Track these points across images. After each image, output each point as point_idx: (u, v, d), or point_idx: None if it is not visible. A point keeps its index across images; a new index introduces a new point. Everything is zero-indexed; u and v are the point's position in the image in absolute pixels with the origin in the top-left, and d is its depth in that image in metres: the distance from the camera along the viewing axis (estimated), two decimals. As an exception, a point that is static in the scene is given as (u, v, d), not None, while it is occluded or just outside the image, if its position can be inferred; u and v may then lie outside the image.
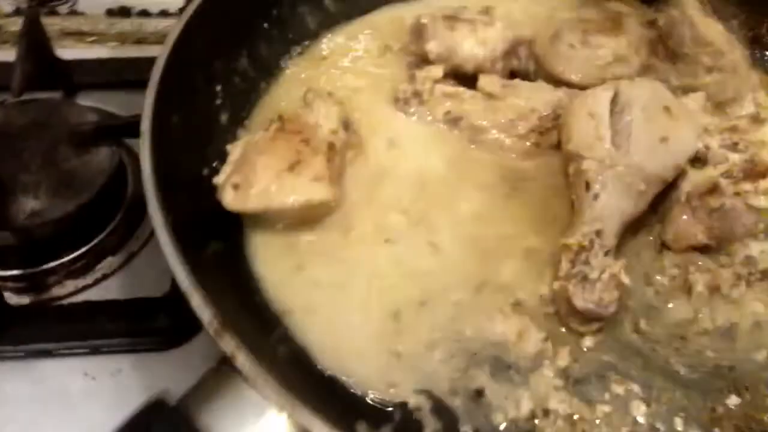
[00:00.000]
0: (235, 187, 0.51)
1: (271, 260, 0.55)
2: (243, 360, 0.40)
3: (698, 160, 0.59)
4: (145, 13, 0.97)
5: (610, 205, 0.55)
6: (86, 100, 0.76)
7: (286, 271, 0.55)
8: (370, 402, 0.48)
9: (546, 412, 0.48)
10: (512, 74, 0.67)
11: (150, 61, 0.83)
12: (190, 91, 0.58)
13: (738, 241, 0.56)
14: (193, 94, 0.59)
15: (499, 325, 0.52)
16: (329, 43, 0.74)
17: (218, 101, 0.63)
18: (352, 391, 0.49)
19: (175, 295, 0.61)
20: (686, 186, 0.57)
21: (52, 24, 0.80)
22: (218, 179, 0.52)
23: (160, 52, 0.55)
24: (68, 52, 0.80)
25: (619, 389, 0.52)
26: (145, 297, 0.62)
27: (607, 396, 0.51)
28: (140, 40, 0.94)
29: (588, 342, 0.53)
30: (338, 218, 0.57)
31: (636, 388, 0.52)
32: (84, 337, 0.60)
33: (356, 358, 0.50)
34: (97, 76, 0.79)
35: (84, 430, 0.52)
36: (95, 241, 0.65)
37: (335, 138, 0.55)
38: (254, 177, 0.52)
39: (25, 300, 0.61)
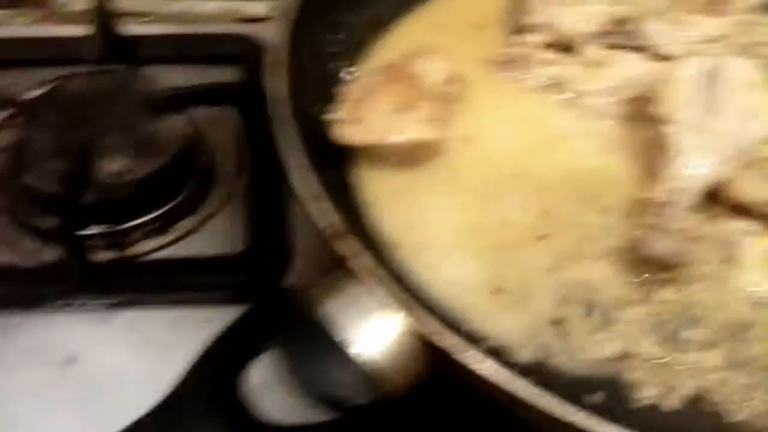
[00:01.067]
0: (350, 122, 0.60)
1: (377, 193, 0.63)
2: (364, 260, 0.47)
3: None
4: (196, -5, 1.01)
5: (692, 166, 0.61)
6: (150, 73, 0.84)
7: (389, 204, 0.62)
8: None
9: (628, 356, 0.50)
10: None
11: (206, 38, 0.87)
12: (312, 38, 0.67)
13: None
14: (315, 40, 0.68)
15: (591, 269, 0.58)
16: (445, 5, 0.81)
17: (337, 49, 0.72)
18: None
19: (252, 253, 0.65)
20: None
21: (111, 4, 0.85)
22: (334, 115, 0.61)
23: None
24: (128, 30, 0.87)
25: (700, 338, 0.56)
26: (222, 254, 0.70)
27: (691, 345, 0.56)
28: (193, 21, 0.98)
29: (673, 294, 0.58)
30: (444, 164, 0.65)
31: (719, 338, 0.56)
32: (165, 290, 0.69)
33: (450, 289, 0.56)
34: (159, 51, 0.83)
35: (168, 371, 0.54)
36: (172, 203, 0.74)
37: (441, 89, 0.65)
38: (367, 115, 0.61)
39: (108, 256, 0.64)
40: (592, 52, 0.72)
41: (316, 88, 0.67)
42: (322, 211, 0.48)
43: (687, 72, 0.65)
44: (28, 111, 0.74)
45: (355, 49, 0.73)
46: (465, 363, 0.43)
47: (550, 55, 0.73)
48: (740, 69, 0.65)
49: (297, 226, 0.72)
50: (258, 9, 1.04)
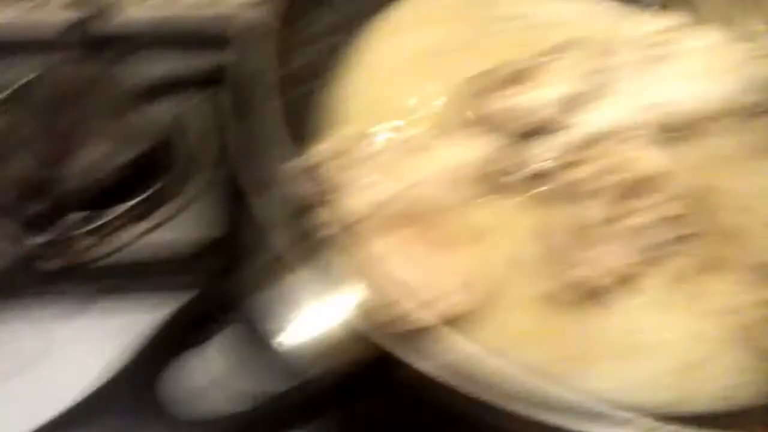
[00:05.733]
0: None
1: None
2: (298, 252, 0.51)
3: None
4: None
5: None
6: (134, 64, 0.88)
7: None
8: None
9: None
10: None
11: (191, 23, 0.91)
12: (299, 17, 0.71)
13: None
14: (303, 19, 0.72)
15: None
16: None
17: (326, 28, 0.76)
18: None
19: (228, 239, 0.69)
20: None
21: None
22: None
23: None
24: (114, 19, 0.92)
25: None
26: (199, 240, 0.75)
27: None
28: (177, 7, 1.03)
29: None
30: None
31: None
32: (143, 275, 0.73)
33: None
34: (144, 39, 0.91)
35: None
36: (152, 189, 0.78)
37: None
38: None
39: (88, 243, 0.71)
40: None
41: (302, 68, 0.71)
42: (262, 203, 0.53)
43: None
44: (13, 98, 0.79)
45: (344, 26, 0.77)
46: (394, 353, 0.47)
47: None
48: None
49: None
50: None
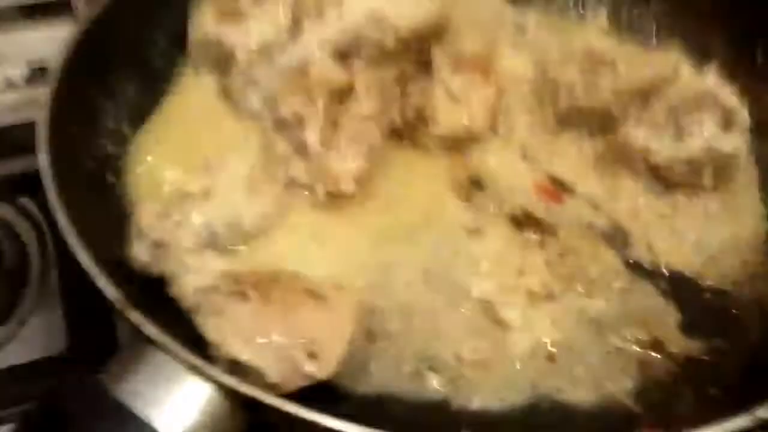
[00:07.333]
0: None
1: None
2: (153, 330, 0.48)
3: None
4: (-12, 87, 0.99)
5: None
6: None
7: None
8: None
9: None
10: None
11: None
12: (84, 101, 0.67)
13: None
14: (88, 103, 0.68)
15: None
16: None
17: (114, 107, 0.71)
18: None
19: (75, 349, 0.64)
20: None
21: None
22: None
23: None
24: None
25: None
26: (43, 357, 0.69)
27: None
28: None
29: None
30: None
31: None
32: None
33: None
34: None
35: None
36: None
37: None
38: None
39: None
40: None
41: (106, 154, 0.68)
42: (104, 288, 0.50)
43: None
44: None
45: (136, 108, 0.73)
46: (273, 404, 0.45)
47: None
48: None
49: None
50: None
